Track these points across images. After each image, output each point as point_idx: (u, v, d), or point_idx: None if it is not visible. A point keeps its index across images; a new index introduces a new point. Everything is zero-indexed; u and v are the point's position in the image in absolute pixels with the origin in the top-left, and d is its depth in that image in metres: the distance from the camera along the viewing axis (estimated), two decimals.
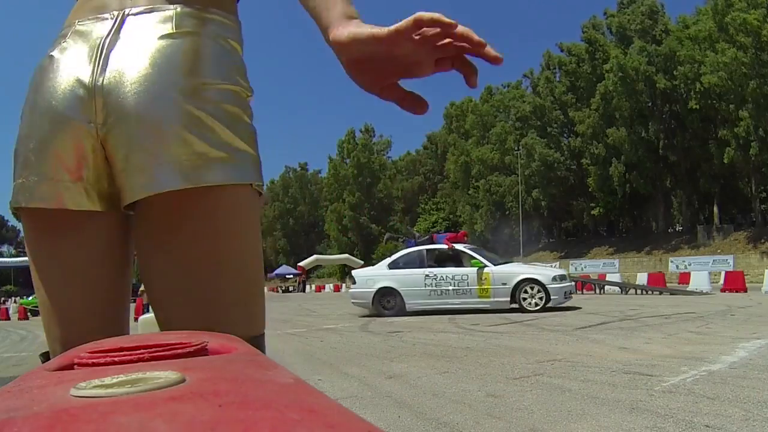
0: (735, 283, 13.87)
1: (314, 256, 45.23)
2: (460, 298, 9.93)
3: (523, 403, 2.88)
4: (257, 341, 0.75)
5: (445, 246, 10.66)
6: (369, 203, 54.82)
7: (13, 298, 35.82)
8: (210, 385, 0.25)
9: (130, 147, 0.70)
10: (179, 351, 0.34)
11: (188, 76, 0.72)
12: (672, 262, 28.33)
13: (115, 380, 0.27)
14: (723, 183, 32.80)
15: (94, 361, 0.34)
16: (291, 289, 44.27)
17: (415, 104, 0.74)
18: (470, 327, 7.21)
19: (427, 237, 11.60)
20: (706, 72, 29.03)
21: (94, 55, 0.73)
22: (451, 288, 10.00)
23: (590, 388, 3.18)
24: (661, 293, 13.80)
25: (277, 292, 43.55)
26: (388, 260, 10.87)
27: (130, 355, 0.33)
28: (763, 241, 28.34)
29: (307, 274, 46.49)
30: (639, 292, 14.63)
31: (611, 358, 4.22)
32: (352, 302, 10.86)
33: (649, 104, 34.06)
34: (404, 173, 56.15)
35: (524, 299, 9.66)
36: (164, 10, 0.74)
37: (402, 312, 9.94)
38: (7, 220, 67.81)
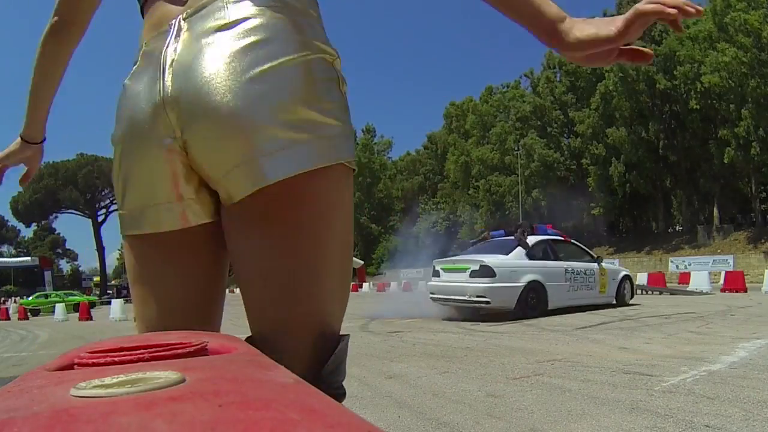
0: (735, 283, 13.87)
1: None
2: (587, 293, 9.26)
3: (523, 403, 2.88)
4: (343, 338, 0.77)
5: (561, 238, 9.85)
6: (369, 203, 54.83)
7: (13, 298, 35.81)
8: (210, 385, 0.25)
9: (220, 148, 0.68)
10: (179, 351, 0.34)
11: (254, 61, 0.68)
12: (672, 262, 28.35)
13: (115, 380, 0.27)
14: (723, 183, 32.80)
15: (94, 361, 0.34)
16: None
17: (636, 57, 0.70)
18: (470, 327, 7.21)
19: (526, 226, 9.86)
20: (706, 72, 29.04)
21: (158, 71, 0.71)
22: (583, 283, 9.14)
23: (590, 388, 3.18)
24: (661, 293, 13.80)
25: None
26: (520, 250, 8.57)
27: (130, 355, 0.33)
28: (763, 241, 28.34)
29: None
30: (639, 292, 14.63)
31: (611, 358, 4.22)
32: (482, 301, 7.84)
33: (649, 104, 34.06)
34: (404, 173, 56.16)
35: (624, 294, 10.00)
36: (215, 2, 0.72)
37: (544, 312, 8.25)
38: (7, 221, 67.75)
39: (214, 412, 0.21)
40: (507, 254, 8.48)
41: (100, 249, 59.39)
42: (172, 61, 0.70)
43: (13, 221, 66.46)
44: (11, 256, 61.55)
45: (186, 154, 0.70)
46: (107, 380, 0.27)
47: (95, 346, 0.38)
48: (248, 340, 0.72)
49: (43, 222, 66.54)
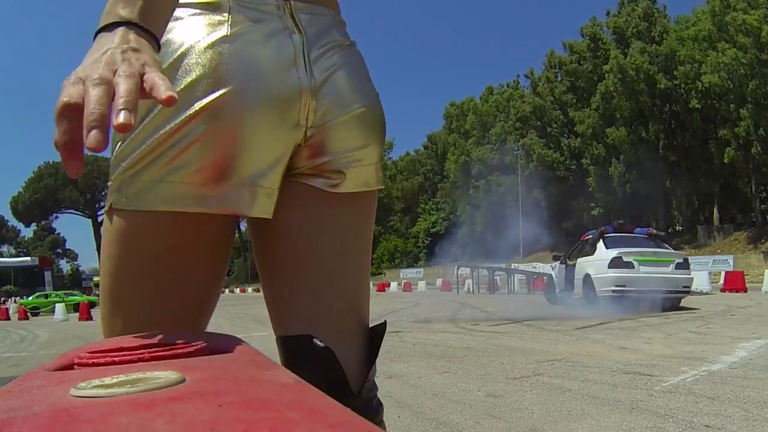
0: (735, 283, 13.87)
1: None
2: None
3: (523, 403, 2.87)
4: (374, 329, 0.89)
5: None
6: None
7: (13, 298, 35.82)
8: (210, 385, 0.26)
9: (346, 147, 0.75)
10: (179, 351, 0.34)
11: (367, 79, 0.81)
12: None
13: (115, 380, 0.27)
14: (723, 183, 32.81)
15: (94, 361, 0.34)
16: None
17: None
18: (470, 327, 7.21)
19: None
20: (706, 72, 29.04)
21: (291, 53, 0.70)
22: None
23: (590, 388, 3.18)
24: None
25: None
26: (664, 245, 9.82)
27: (130, 355, 0.33)
28: (763, 241, 28.34)
29: None
30: None
31: (611, 358, 4.22)
32: (684, 291, 8.97)
33: (649, 104, 34.06)
34: (404, 173, 56.17)
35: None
36: (320, 8, 0.79)
37: None
38: (7, 221, 67.78)
39: (214, 412, 0.21)
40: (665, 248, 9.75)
41: (100, 249, 59.42)
42: (313, 52, 0.73)
43: (13, 221, 66.53)
44: (11, 256, 61.55)
45: (305, 141, 0.73)
46: (107, 380, 0.27)
47: (95, 346, 0.38)
48: (283, 333, 0.81)
49: (43, 222, 66.57)
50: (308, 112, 0.71)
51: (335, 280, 0.77)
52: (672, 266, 8.93)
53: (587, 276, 9.43)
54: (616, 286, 8.73)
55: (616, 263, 8.89)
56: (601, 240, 9.75)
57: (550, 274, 11.59)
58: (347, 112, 0.74)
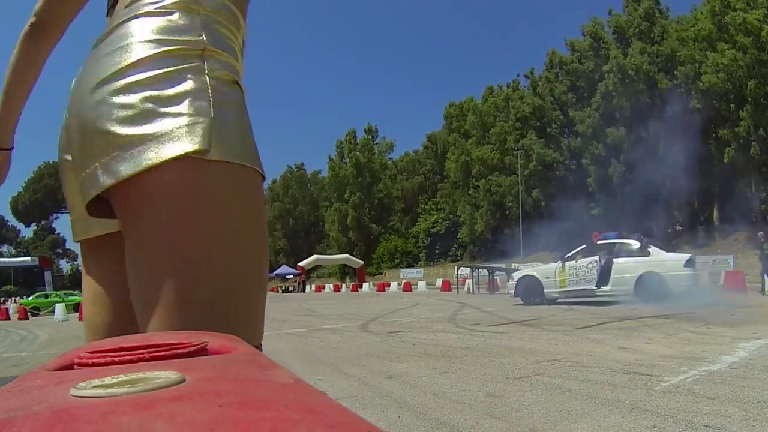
0: (735, 283, 13.85)
1: (314, 256, 45.27)
2: None
3: (523, 403, 2.87)
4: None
5: None
6: (369, 203, 54.83)
7: (13, 298, 35.80)
8: (210, 385, 0.25)
9: (79, 157, 0.71)
10: (179, 351, 0.34)
11: (97, 70, 0.70)
12: None
13: (115, 380, 0.27)
14: (723, 183, 32.80)
15: (94, 361, 0.34)
16: (291, 289, 44.30)
17: None
18: (470, 327, 7.21)
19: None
20: (707, 71, 29.04)
21: None
22: None
23: (590, 388, 3.18)
24: None
25: (277, 292, 43.56)
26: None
27: (130, 355, 0.33)
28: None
29: (307, 274, 46.53)
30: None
31: (611, 358, 4.22)
32: None
33: (649, 104, 34.06)
34: (404, 173, 56.17)
35: None
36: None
37: None
38: (7, 221, 67.79)
39: (214, 412, 0.21)
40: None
41: None
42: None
43: (13, 221, 66.54)
44: (11, 256, 61.52)
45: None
46: (107, 380, 0.27)
47: (95, 346, 0.38)
48: None
49: (43, 222, 66.58)
50: (70, 142, 0.77)
51: (137, 297, 0.72)
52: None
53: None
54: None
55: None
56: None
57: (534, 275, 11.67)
58: (71, 124, 0.75)
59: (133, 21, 0.71)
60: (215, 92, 0.68)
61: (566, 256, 11.51)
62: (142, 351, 0.34)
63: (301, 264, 44.01)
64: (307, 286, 41.02)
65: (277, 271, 53.41)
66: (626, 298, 10.33)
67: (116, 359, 0.33)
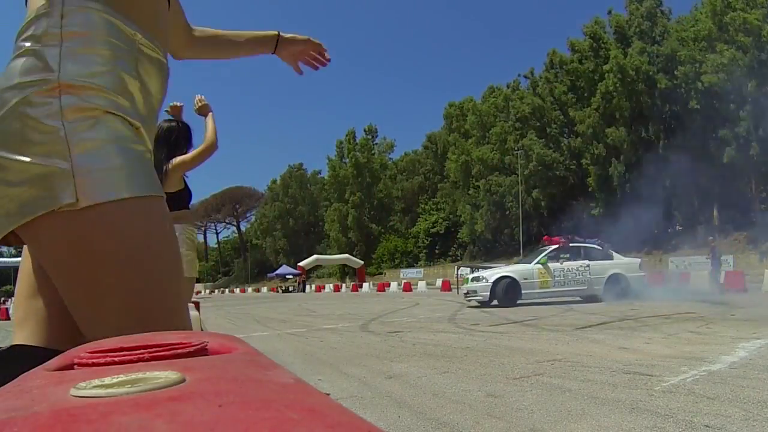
0: (735, 283, 13.85)
1: (314, 256, 45.27)
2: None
3: (523, 403, 2.87)
4: None
5: None
6: (369, 203, 54.81)
7: (13, 298, 35.78)
8: (210, 385, 0.25)
9: None
10: (179, 351, 0.34)
11: None
12: (672, 262, 28.34)
13: (115, 380, 0.27)
14: (723, 183, 32.79)
15: (94, 361, 0.34)
16: (291, 289, 44.30)
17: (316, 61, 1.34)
18: (470, 327, 7.21)
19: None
20: (707, 71, 29.04)
21: None
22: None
23: (590, 388, 3.18)
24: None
25: (277, 292, 43.57)
26: None
27: (130, 355, 0.33)
28: (763, 241, 28.33)
29: (307, 274, 46.52)
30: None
31: (611, 358, 4.22)
32: None
33: (649, 104, 34.06)
34: (404, 173, 56.15)
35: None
36: None
37: None
38: None
39: (214, 412, 0.21)
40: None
41: None
42: None
43: None
44: (11, 256, 61.51)
45: None
46: (107, 380, 0.27)
47: (95, 346, 0.38)
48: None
49: None
50: None
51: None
52: None
53: None
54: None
55: None
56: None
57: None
58: None
59: (8, 65, 0.72)
60: (73, 135, 0.67)
61: (542, 258, 11.80)
62: (142, 351, 0.34)
63: (301, 264, 44.00)
64: (307, 286, 41.01)
65: (277, 271, 53.42)
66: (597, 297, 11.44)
67: (116, 359, 0.33)
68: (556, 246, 12.15)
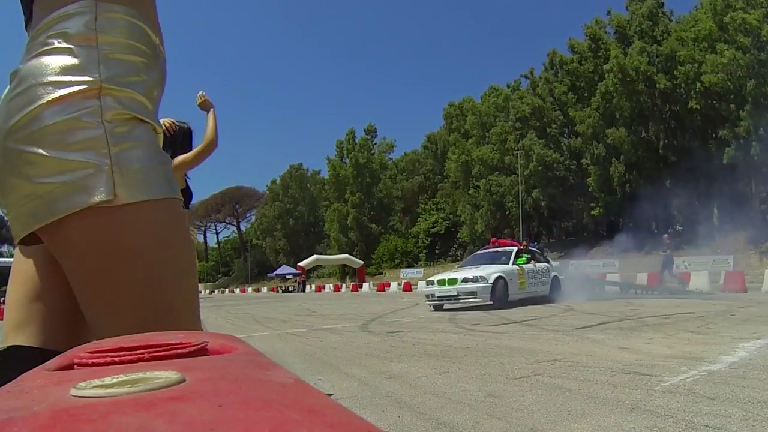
0: (735, 283, 13.87)
1: (314, 256, 45.30)
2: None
3: (523, 403, 2.87)
4: None
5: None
6: (369, 203, 54.83)
7: None
8: (210, 385, 0.26)
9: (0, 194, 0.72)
10: (179, 351, 0.34)
11: (7, 114, 0.69)
12: None
13: (115, 380, 0.27)
14: (723, 183, 32.80)
15: (94, 361, 0.34)
16: (291, 289, 44.33)
17: None
18: (470, 327, 7.21)
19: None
20: (707, 71, 29.05)
21: None
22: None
23: (590, 388, 3.18)
24: (661, 293, 13.80)
25: (277, 292, 43.58)
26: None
27: (130, 355, 0.33)
28: (763, 241, 28.33)
29: (307, 274, 46.53)
30: (639, 292, 14.62)
31: (611, 358, 4.22)
32: None
33: (649, 104, 34.07)
34: (404, 173, 56.16)
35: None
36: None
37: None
38: (7, 221, 67.82)
39: (214, 412, 0.21)
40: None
41: None
42: None
43: None
44: (11, 255, 61.56)
45: None
46: (107, 380, 0.27)
47: (95, 346, 0.38)
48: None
49: None
50: None
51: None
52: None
53: None
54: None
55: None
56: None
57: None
58: None
59: (35, 60, 0.71)
60: (112, 136, 0.68)
61: (520, 259, 12.15)
62: (142, 351, 0.34)
63: (301, 264, 44.03)
64: (307, 286, 41.02)
65: (277, 271, 53.44)
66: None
67: (116, 359, 0.33)
68: (520, 248, 12.68)
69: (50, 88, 0.68)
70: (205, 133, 3.06)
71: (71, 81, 0.69)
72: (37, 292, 0.85)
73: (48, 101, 0.67)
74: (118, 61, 0.72)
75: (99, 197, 0.66)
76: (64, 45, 0.71)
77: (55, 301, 0.85)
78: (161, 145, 0.82)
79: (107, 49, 0.72)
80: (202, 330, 0.77)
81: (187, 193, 3.27)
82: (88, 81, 0.69)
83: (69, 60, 0.70)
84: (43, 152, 0.66)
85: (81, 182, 0.66)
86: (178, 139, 3.09)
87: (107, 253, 0.68)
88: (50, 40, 0.71)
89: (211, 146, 3.04)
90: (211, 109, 3.09)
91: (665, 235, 16.58)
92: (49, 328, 0.84)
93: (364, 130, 58.27)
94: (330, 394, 3.42)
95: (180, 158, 3.06)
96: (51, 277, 0.85)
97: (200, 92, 3.12)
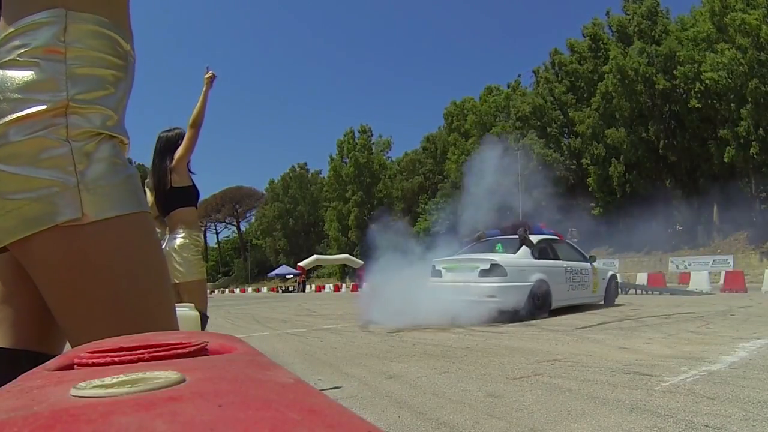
0: (735, 283, 13.89)
1: (314, 256, 45.27)
2: (582, 292, 9.29)
3: (523, 403, 2.87)
4: None
5: (557, 237, 9.77)
6: (369, 203, 54.85)
7: None
8: (210, 385, 0.26)
9: None
10: (179, 351, 0.34)
11: None
12: (672, 262, 28.38)
13: (115, 380, 0.27)
14: (723, 183, 32.83)
15: (94, 361, 0.34)
16: (291, 289, 44.31)
17: None
18: (470, 327, 7.21)
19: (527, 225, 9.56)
20: (706, 70, 29.05)
21: None
22: (579, 282, 9.17)
23: (590, 388, 3.18)
24: (661, 293, 13.81)
25: (277, 292, 43.57)
26: (525, 248, 8.63)
27: (130, 355, 0.33)
28: (763, 241, 28.34)
29: (307, 274, 46.53)
30: (639, 292, 14.63)
31: (611, 358, 4.22)
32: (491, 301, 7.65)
33: (649, 104, 34.07)
34: (404, 173, 56.17)
35: (611, 294, 10.43)
36: None
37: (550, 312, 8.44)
38: None
39: (214, 412, 0.21)
40: (514, 253, 8.43)
41: None
42: None
43: None
44: None
45: None
46: (107, 380, 0.27)
47: (95, 346, 0.38)
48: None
49: None
50: None
51: None
52: (476, 273, 7.95)
53: None
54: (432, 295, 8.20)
55: (432, 272, 8.71)
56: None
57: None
58: None
59: (2, 71, 0.68)
60: (78, 154, 0.68)
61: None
62: (142, 351, 0.34)
63: (301, 264, 44.01)
64: (307, 286, 41.01)
65: (276, 271, 53.44)
66: None
67: (116, 359, 0.33)
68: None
69: (15, 104, 0.66)
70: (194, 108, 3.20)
71: (37, 99, 0.67)
72: (5, 295, 0.86)
73: (13, 119, 0.66)
74: (87, 77, 0.70)
75: (67, 216, 0.66)
76: (30, 59, 0.68)
77: (25, 303, 0.86)
78: (126, 155, 0.82)
79: (75, 64, 0.69)
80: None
81: (193, 190, 3.34)
82: (54, 100, 0.68)
83: (35, 75, 0.68)
84: (9, 169, 0.65)
85: (48, 200, 0.65)
86: (175, 146, 3.26)
87: (77, 270, 0.68)
88: (16, 51, 0.69)
89: (197, 121, 3.17)
90: (204, 89, 3.21)
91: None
92: (19, 329, 0.85)
93: (359, 131, 58.31)
94: (338, 387, 3.43)
95: (177, 155, 3.19)
96: (18, 280, 0.86)
97: (210, 72, 3.24)
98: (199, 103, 3.17)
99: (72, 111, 0.68)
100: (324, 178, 62.83)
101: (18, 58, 0.68)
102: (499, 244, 8.98)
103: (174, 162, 3.19)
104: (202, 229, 75.88)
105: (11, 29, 0.70)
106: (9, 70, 0.68)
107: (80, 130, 0.68)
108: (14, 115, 0.66)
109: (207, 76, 3.20)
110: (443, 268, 8.56)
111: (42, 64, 0.68)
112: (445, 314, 7.50)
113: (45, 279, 0.70)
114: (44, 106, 0.67)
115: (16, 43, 0.69)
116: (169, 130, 3.32)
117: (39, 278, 0.70)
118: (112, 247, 0.70)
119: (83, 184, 0.67)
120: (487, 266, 7.84)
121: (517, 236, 8.86)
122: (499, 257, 8.13)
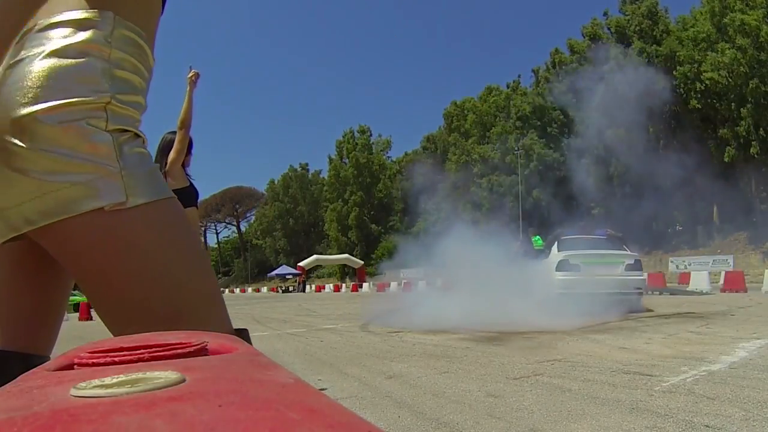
0: (735, 283, 13.88)
1: (314, 256, 45.33)
2: None
3: (523, 403, 2.87)
4: None
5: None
6: (369, 203, 54.85)
7: None
8: (210, 385, 0.26)
9: None
10: (179, 351, 0.34)
11: (7, 104, 0.67)
12: (672, 262, 28.37)
13: (115, 380, 0.27)
14: (723, 183, 32.81)
15: (94, 361, 0.34)
16: (291, 289, 44.33)
17: None
18: (470, 327, 7.20)
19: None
20: (707, 70, 29.05)
21: None
22: None
23: (590, 388, 3.18)
24: (661, 293, 13.81)
25: (277, 292, 43.58)
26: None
27: (130, 355, 0.33)
28: (763, 241, 28.33)
29: (307, 274, 46.54)
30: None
31: (611, 358, 4.22)
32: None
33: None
34: (404, 173, 56.17)
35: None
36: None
37: None
38: None
39: (214, 412, 0.21)
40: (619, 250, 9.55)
41: None
42: None
43: None
44: None
45: None
46: (107, 380, 0.27)
47: (95, 346, 0.38)
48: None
49: None
50: None
51: None
52: (622, 267, 8.84)
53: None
54: (563, 289, 8.60)
55: (561, 266, 8.94)
56: (555, 243, 10.07)
57: None
58: None
59: (47, 60, 0.69)
60: (118, 145, 0.71)
61: None
62: (142, 351, 0.34)
63: (301, 264, 44.05)
64: (307, 286, 41.02)
65: (276, 271, 53.44)
66: None
67: (116, 359, 0.33)
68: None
69: (60, 92, 0.68)
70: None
71: (81, 91, 0.69)
72: (6, 296, 0.88)
73: (57, 105, 0.67)
74: (123, 80, 0.73)
75: (112, 199, 0.68)
76: (78, 51, 0.70)
77: (14, 304, 0.87)
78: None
79: (116, 66, 0.72)
80: (231, 326, 0.78)
81: (191, 190, 3.36)
82: (97, 94, 0.70)
83: (82, 68, 0.70)
84: (49, 153, 0.66)
85: (91, 184, 0.67)
86: (167, 145, 3.34)
87: (123, 252, 0.69)
88: (65, 41, 0.70)
89: (185, 122, 3.19)
90: (188, 89, 3.22)
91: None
92: (8, 330, 0.87)
93: (358, 131, 58.31)
94: (324, 388, 3.42)
95: (169, 158, 3.24)
96: (7, 281, 0.87)
97: (194, 71, 3.25)
98: (185, 104, 3.18)
99: (111, 108, 0.71)
100: (324, 178, 62.84)
101: (67, 49, 0.70)
102: (538, 237, 10.67)
103: (167, 166, 3.22)
104: (202, 229, 75.89)
105: (59, 18, 0.71)
106: (56, 58, 0.69)
107: (117, 126, 0.72)
108: (58, 102, 0.67)
109: (189, 75, 3.20)
110: (582, 262, 8.86)
111: (89, 59, 0.70)
112: (580, 307, 7.50)
113: (84, 264, 0.70)
114: (89, 97, 0.69)
115: (66, 32, 0.70)
116: (173, 132, 3.36)
117: (76, 264, 0.71)
118: (155, 228, 0.72)
119: (125, 170, 0.70)
120: (632, 261, 8.93)
121: (599, 236, 10.15)
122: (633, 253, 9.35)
